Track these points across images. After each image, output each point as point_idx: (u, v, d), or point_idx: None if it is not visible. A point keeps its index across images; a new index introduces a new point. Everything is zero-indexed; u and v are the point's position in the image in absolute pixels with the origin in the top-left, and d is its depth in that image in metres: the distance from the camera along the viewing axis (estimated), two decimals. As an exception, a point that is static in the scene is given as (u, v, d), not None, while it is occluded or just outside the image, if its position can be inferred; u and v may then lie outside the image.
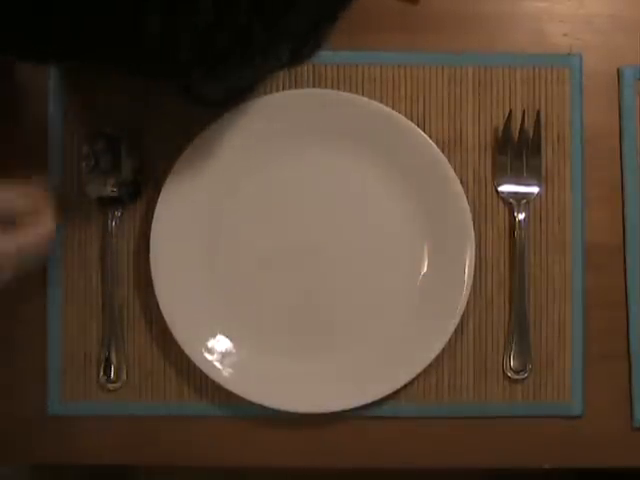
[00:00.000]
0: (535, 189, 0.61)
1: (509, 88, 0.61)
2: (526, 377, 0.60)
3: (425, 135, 0.59)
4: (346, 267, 0.60)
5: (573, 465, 0.61)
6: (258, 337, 0.60)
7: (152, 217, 0.59)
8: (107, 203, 0.60)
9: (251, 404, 0.58)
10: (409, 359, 0.59)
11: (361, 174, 0.60)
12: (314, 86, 0.61)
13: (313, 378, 0.59)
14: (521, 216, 0.60)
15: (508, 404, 0.60)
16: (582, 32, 0.62)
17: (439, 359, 0.59)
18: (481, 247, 0.60)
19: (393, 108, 0.60)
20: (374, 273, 0.60)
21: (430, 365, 0.58)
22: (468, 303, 0.59)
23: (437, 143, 0.59)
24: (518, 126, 0.60)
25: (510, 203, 0.61)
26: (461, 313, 0.58)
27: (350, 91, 0.61)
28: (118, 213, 0.60)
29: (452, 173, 0.59)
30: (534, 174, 0.61)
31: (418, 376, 0.59)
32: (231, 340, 0.60)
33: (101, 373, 0.60)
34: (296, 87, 0.61)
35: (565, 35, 0.62)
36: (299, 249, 0.60)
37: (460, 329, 0.60)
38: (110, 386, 0.60)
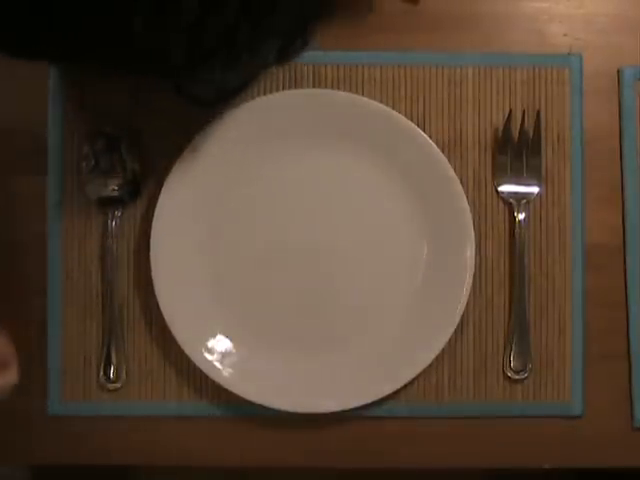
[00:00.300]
0: (535, 189, 0.61)
1: (509, 88, 0.61)
2: (526, 377, 0.60)
3: (425, 135, 0.59)
4: (346, 267, 0.60)
5: (573, 465, 0.61)
6: (258, 337, 0.60)
7: (152, 217, 0.59)
8: (107, 203, 0.60)
9: (251, 404, 0.58)
10: (409, 359, 0.59)
11: (361, 174, 0.60)
12: (314, 86, 0.61)
13: (313, 378, 0.59)
14: (521, 216, 0.60)
15: (508, 404, 0.60)
16: (582, 32, 0.62)
17: (439, 359, 0.59)
18: (481, 247, 0.60)
19: (393, 108, 0.60)
20: (374, 273, 0.60)
21: (430, 365, 0.58)
22: (468, 303, 0.59)
23: (437, 143, 0.59)
24: (518, 126, 0.60)
25: (510, 203, 0.61)
26: (461, 313, 0.58)
27: (350, 91, 0.61)
28: (118, 213, 0.60)
29: (452, 173, 0.59)
30: (534, 174, 0.61)
31: (418, 376, 0.59)
32: (231, 340, 0.60)
33: (101, 373, 0.60)
34: (296, 87, 0.61)
35: (565, 35, 0.62)
36: (299, 249, 0.60)
37: (460, 329, 0.60)
38: (110, 386, 0.60)
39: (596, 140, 0.61)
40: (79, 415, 0.60)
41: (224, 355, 0.59)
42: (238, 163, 0.60)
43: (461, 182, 0.59)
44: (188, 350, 0.58)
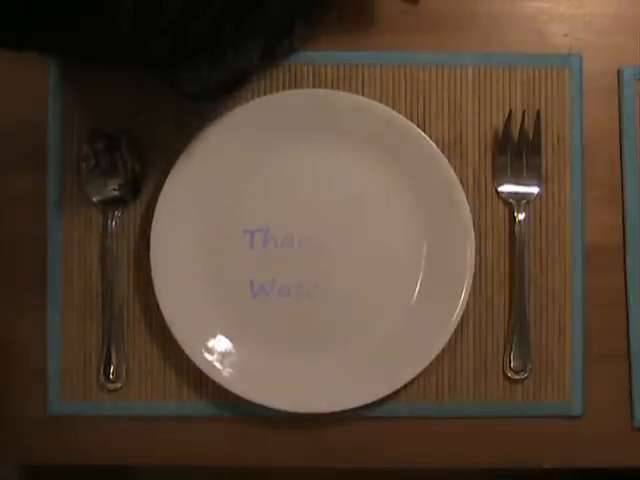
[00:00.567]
0: (535, 189, 0.61)
1: (509, 88, 0.61)
2: (526, 377, 0.60)
3: (425, 135, 0.59)
4: (346, 267, 0.60)
5: (573, 465, 0.61)
6: (258, 337, 0.60)
7: (152, 217, 0.59)
8: (107, 203, 0.60)
9: (251, 404, 0.58)
10: (409, 359, 0.59)
11: (361, 174, 0.60)
12: (314, 86, 0.61)
13: (313, 378, 0.59)
14: (521, 216, 0.60)
15: (508, 404, 0.60)
16: (582, 32, 0.62)
17: (439, 359, 0.59)
18: (481, 247, 0.60)
19: (393, 108, 0.60)
20: (374, 273, 0.60)
21: (430, 365, 0.58)
22: (468, 303, 0.59)
23: (437, 143, 0.59)
24: (518, 126, 0.60)
25: (510, 203, 0.61)
26: (461, 313, 0.58)
27: (350, 91, 0.61)
28: (118, 213, 0.60)
29: (452, 173, 0.59)
30: (534, 174, 0.61)
31: (418, 376, 0.59)
32: (231, 340, 0.60)
33: (101, 373, 0.60)
34: (296, 87, 0.61)
35: (565, 35, 0.62)
36: (299, 249, 0.60)
37: (460, 329, 0.60)
38: (110, 386, 0.60)
39: (596, 140, 0.61)
40: (79, 415, 0.60)
41: (224, 355, 0.59)
42: (238, 163, 0.60)
43: (461, 182, 0.59)
44: (188, 350, 0.58)
